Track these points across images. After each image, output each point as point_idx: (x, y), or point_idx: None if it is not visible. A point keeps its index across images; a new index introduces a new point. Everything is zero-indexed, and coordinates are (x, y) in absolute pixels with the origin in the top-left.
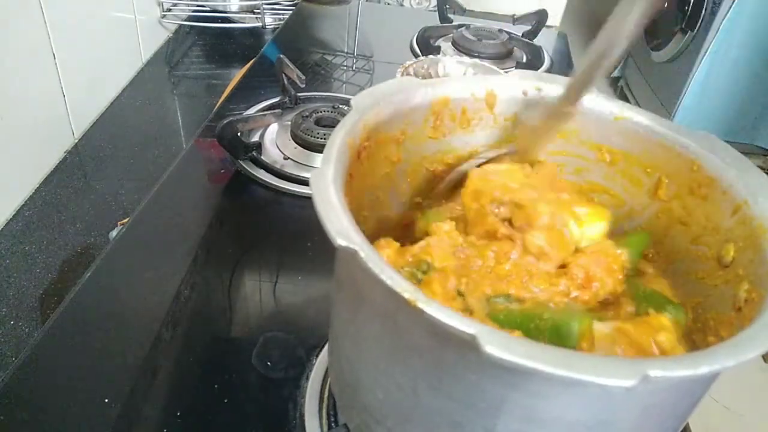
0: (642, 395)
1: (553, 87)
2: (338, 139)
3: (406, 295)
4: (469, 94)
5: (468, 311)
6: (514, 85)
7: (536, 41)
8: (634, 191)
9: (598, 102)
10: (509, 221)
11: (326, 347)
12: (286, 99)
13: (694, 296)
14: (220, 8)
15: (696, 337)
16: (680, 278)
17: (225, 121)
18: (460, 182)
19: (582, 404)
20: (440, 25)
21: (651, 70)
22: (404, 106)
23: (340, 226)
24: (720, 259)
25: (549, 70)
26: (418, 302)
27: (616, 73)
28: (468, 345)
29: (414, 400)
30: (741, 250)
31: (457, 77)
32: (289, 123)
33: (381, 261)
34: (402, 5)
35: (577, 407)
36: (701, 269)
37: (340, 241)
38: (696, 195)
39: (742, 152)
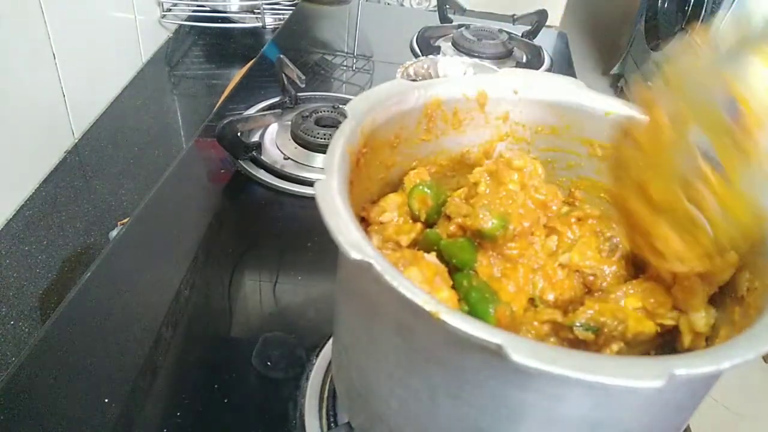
0: (664, 392)
1: (543, 84)
2: (339, 148)
3: (428, 307)
4: (461, 95)
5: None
6: (505, 84)
7: (536, 41)
8: None
9: (589, 97)
10: None
11: (326, 347)
12: (286, 99)
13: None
14: (220, 8)
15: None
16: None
17: (225, 121)
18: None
19: (602, 404)
20: (440, 25)
21: (651, 69)
22: (398, 109)
23: (352, 239)
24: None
25: (549, 70)
26: (440, 314)
27: (615, 71)
28: (492, 353)
29: (432, 409)
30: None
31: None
32: (289, 123)
33: (397, 273)
34: (402, 5)
35: (597, 407)
36: None
37: (354, 255)
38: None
39: None
